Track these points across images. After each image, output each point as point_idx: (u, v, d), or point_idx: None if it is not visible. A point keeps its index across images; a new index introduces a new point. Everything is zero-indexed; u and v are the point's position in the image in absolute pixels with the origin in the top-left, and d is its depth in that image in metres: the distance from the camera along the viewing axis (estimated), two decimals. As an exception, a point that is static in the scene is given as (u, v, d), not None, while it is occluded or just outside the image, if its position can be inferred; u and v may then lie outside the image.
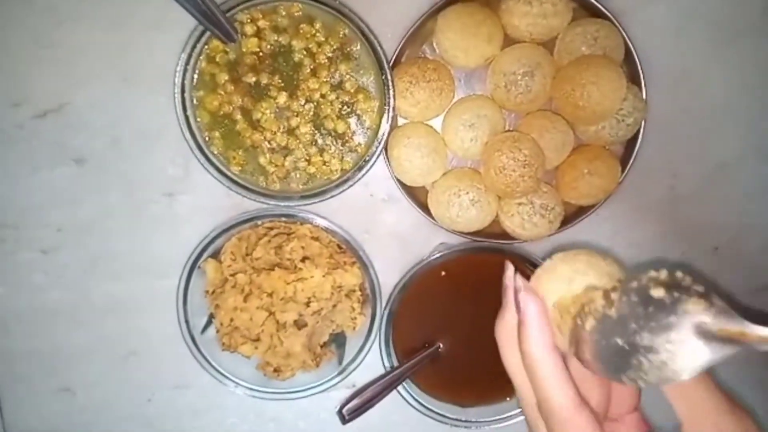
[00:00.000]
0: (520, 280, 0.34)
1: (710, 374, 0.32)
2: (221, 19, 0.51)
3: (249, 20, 0.54)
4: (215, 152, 0.56)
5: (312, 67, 0.55)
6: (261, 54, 0.54)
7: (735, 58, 0.59)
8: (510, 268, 0.35)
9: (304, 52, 0.54)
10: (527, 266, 0.60)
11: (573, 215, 0.60)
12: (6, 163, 0.59)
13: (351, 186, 0.56)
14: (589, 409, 0.32)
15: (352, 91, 0.55)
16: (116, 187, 0.60)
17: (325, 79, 0.55)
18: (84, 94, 0.58)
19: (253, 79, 0.54)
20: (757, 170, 0.61)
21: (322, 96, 0.55)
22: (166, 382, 0.63)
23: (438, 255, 0.59)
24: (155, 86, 0.57)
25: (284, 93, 0.54)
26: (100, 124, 0.59)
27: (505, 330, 0.35)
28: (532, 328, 0.32)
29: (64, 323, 0.62)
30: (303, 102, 0.55)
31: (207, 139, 0.56)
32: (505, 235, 0.60)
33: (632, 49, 0.56)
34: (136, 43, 0.58)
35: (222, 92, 0.55)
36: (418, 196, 0.60)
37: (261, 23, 0.54)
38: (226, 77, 0.54)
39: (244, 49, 0.54)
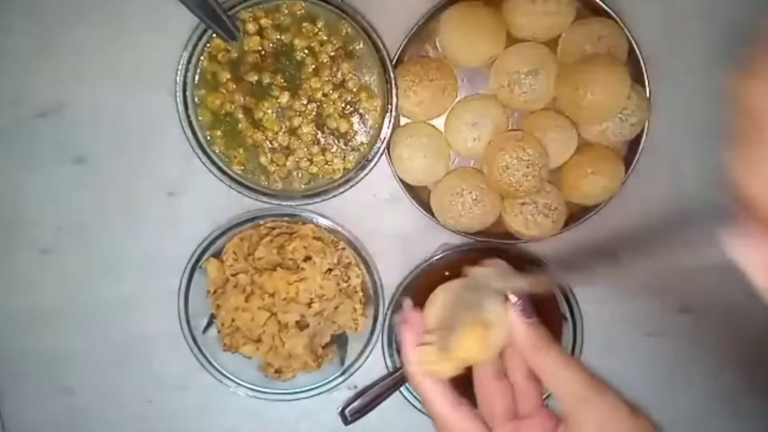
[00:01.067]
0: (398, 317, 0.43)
1: (574, 358, 0.37)
2: (223, 18, 0.50)
3: (251, 19, 0.53)
4: (217, 151, 0.56)
5: (314, 66, 0.54)
6: (263, 53, 0.54)
7: (737, 57, 0.59)
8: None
9: (307, 51, 0.54)
10: (531, 267, 0.59)
11: (576, 215, 0.59)
12: (5, 162, 0.59)
13: (353, 186, 0.56)
14: (466, 409, 0.37)
15: (354, 90, 0.55)
16: (117, 187, 0.60)
17: (327, 78, 0.54)
18: (84, 93, 0.58)
19: (255, 78, 0.54)
20: (761, 170, 0.61)
21: (325, 95, 0.55)
22: (167, 382, 0.63)
23: (441, 255, 0.59)
24: (156, 85, 0.57)
25: (286, 92, 0.54)
26: (100, 124, 0.59)
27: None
28: (407, 353, 0.39)
29: (64, 323, 0.61)
30: (305, 101, 0.55)
31: (208, 138, 0.55)
32: (508, 235, 0.60)
33: (636, 48, 0.56)
34: (137, 41, 0.57)
35: (224, 91, 0.54)
36: (420, 195, 0.60)
37: (263, 22, 0.54)
38: (228, 76, 0.54)
39: (246, 48, 0.54)
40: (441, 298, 0.41)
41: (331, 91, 0.55)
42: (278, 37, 0.54)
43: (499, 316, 0.39)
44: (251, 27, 0.53)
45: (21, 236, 0.60)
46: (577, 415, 0.34)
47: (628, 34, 0.55)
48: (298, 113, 0.55)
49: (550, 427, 0.37)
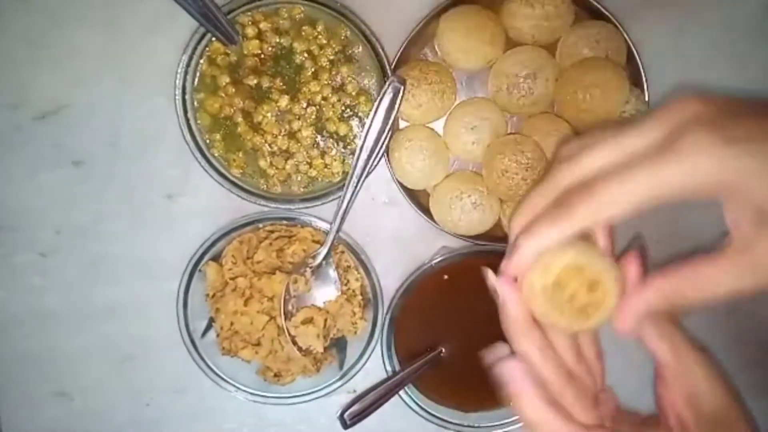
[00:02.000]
0: (493, 279, 0.39)
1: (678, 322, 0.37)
2: (222, 21, 0.50)
3: (250, 22, 0.54)
4: (216, 155, 0.56)
5: (313, 69, 0.54)
6: (262, 56, 0.54)
7: (736, 59, 0.59)
8: (489, 274, 0.40)
9: (306, 55, 0.54)
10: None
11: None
12: (4, 165, 0.59)
13: (352, 189, 0.56)
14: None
15: (353, 93, 0.55)
16: (115, 190, 0.60)
17: (326, 82, 0.54)
18: (83, 96, 0.58)
19: (254, 81, 0.54)
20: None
21: (324, 98, 0.55)
22: (166, 386, 0.63)
23: (440, 259, 0.59)
24: (155, 88, 0.57)
25: (286, 96, 0.54)
26: (99, 126, 0.58)
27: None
28: (506, 314, 0.37)
29: (62, 326, 0.61)
30: (304, 105, 0.55)
31: (207, 141, 0.55)
32: (507, 239, 0.59)
33: (634, 51, 0.56)
34: (136, 44, 0.57)
35: (223, 94, 0.54)
36: (419, 199, 0.59)
37: (262, 25, 0.54)
38: (227, 79, 0.54)
39: (245, 52, 0.54)
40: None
41: (330, 95, 0.55)
42: (277, 40, 0.54)
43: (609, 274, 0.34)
44: (250, 31, 0.53)
45: (20, 239, 0.60)
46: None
47: (627, 38, 0.55)
48: (297, 117, 0.55)
49: (617, 404, 0.39)
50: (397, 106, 0.51)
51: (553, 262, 0.34)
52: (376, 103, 0.51)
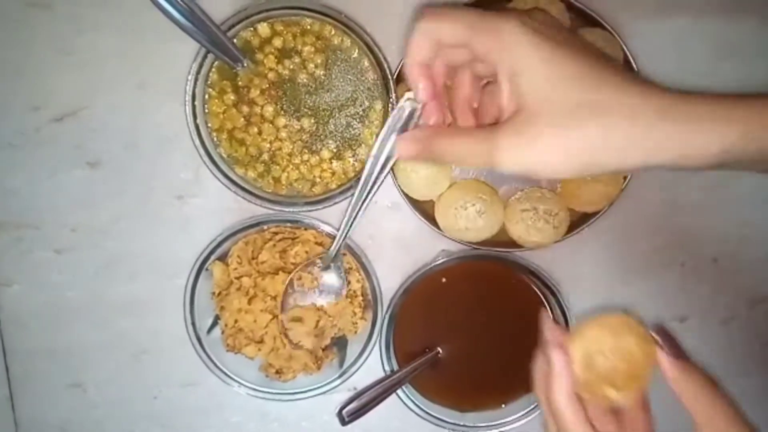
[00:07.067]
0: (551, 333, 0.41)
1: (717, 385, 0.38)
2: (227, 44, 0.51)
3: (253, 36, 0.55)
4: (224, 156, 0.57)
5: (315, 84, 0.56)
6: (267, 76, 0.56)
7: (732, 69, 0.59)
8: (547, 321, 0.43)
9: (307, 68, 0.56)
10: (531, 278, 0.60)
11: (576, 223, 0.60)
12: (24, 165, 0.61)
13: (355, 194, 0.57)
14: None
15: (358, 103, 0.57)
16: (130, 190, 0.61)
17: (330, 92, 0.56)
18: (101, 100, 0.60)
19: (261, 105, 0.56)
20: (757, 181, 0.61)
21: (331, 110, 0.57)
22: (174, 380, 0.65)
23: (439, 262, 0.60)
24: (170, 93, 0.58)
25: (291, 106, 0.56)
26: (115, 129, 0.60)
27: (539, 372, 0.42)
28: (557, 379, 0.39)
29: (77, 321, 0.63)
30: (312, 120, 0.57)
31: (216, 145, 0.57)
32: (509, 243, 0.60)
33: (631, 60, 0.56)
34: (153, 51, 0.59)
35: (231, 103, 0.56)
36: (422, 205, 0.60)
37: (272, 40, 0.55)
38: (233, 98, 0.56)
39: (251, 76, 0.55)
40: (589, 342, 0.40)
41: (336, 106, 0.56)
42: (277, 51, 0.55)
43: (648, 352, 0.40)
44: (255, 41, 0.55)
45: (38, 236, 0.62)
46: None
47: (623, 47, 0.56)
48: (301, 127, 0.57)
49: None
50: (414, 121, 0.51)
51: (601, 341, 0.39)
52: (393, 114, 0.51)
